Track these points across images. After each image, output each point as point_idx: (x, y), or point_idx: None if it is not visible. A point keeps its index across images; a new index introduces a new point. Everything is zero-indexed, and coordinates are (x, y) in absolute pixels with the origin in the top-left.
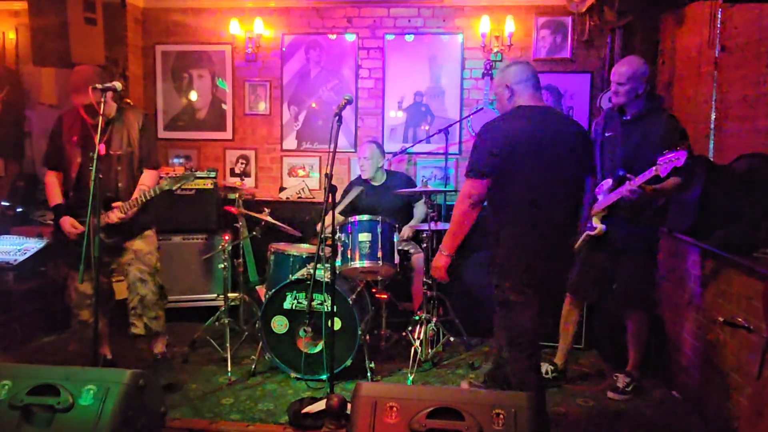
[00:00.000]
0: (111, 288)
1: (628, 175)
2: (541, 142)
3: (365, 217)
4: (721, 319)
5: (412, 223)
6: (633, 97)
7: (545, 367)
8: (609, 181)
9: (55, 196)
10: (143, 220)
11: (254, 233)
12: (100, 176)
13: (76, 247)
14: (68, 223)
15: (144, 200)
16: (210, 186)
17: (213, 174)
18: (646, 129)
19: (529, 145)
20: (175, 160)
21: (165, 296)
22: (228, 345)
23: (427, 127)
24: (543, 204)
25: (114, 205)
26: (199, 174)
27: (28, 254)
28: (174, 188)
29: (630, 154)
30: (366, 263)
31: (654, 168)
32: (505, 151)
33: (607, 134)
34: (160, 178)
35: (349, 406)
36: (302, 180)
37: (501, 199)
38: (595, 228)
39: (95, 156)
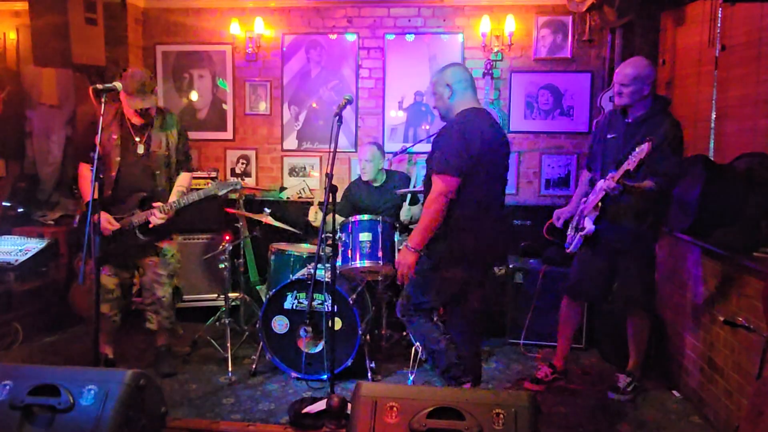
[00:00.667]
0: (131, 285)
1: (610, 173)
2: (493, 144)
3: (366, 216)
4: (721, 318)
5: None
6: (637, 98)
7: (545, 370)
8: (602, 182)
9: (90, 191)
10: (176, 224)
11: (255, 233)
12: (97, 175)
13: (106, 244)
14: (104, 218)
15: (187, 204)
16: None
17: (214, 174)
18: (648, 132)
19: (489, 146)
20: None
21: (180, 297)
22: (229, 345)
23: (427, 127)
24: (495, 200)
25: (154, 205)
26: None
27: (30, 254)
28: (220, 194)
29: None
30: (367, 263)
31: (626, 162)
32: (479, 150)
33: (609, 136)
34: (209, 181)
35: (349, 406)
36: (303, 180)
37: (466, 195)
38: (585, 228)
39: (95, 156)
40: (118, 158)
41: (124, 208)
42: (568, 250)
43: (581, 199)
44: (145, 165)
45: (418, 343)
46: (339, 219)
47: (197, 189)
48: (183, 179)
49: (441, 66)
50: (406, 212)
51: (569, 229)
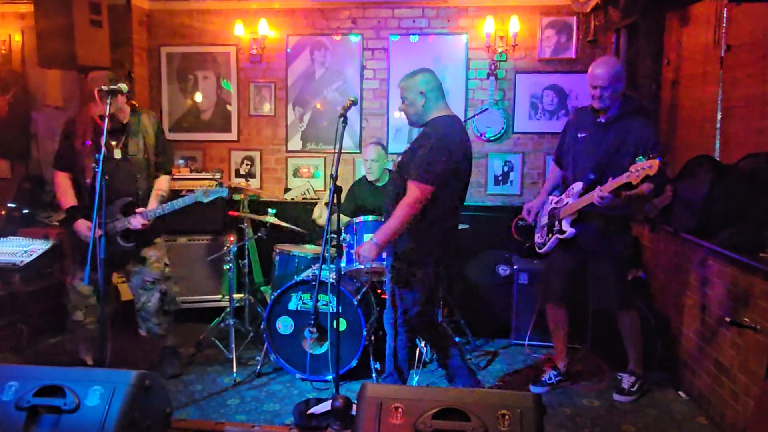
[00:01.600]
0: (116, 291)
1: (600, 185)
2: (467, 151)
3: (370, 217)
4: (727, 319)
5: None
6: (615, 98)
7: (548, 372)
8: (580, 185)
9: (68, 198)
10: (158, 227)
11: (259, 234)
12: (106, 178)
13: (88, 249)
14: (84, 226)
15: (170, 211)
16: (215, 187)
17: (218, 175)
18: (622, 133)
19: (465, 155)
20: (180, 162)
21: (173, 302)
22: (233, 346)
23: None
24: (461, 203)
25: (138, 211)
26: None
27: (35, 255)
28: (206, 200)
29: (603, 158)
30: (371, 264)
31: (626, 175)
32: (457, 160)
33: (579, 135)
34: (182, 190)
35: (354, 406)
36: (307, 181)
37: (440, 199)
38: (565, 231)
39: (100, 158)
40: (93, 164)
41: (107, 214)
42: (541, 251)
43: (550, 195)
44: (124, 170)
45: (423, 343)
46: (343, 218)
47: (186, 193)
48: (161, 182)
49: (408, 75)
50: None
51: (537, 228)
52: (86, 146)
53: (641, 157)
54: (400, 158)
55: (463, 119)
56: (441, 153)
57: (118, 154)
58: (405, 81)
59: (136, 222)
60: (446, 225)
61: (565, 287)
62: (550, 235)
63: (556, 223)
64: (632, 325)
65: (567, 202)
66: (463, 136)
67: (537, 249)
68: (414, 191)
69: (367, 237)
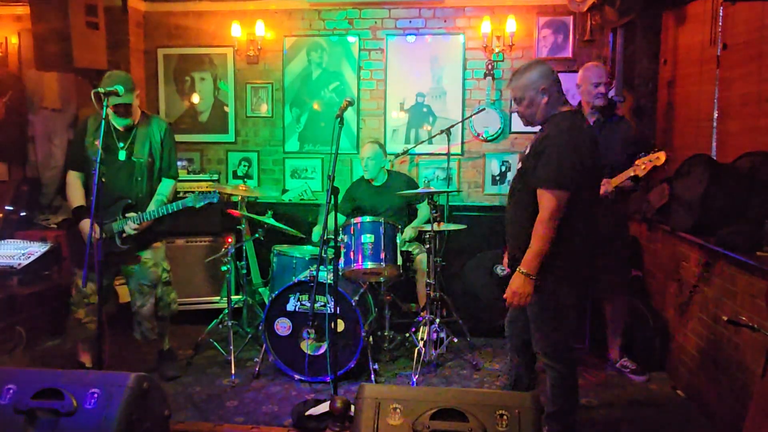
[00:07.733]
0: (114, 292)
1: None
2: (595, 148)
3: (368, 218)
4: (725, 318)
5: (415, 223)
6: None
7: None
8: None
9: (77, 198)
10: (157, 231)
11: (257, 235)
12: (103, 180)
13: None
14: (87, 226)
15: (162, 215)
16: (212, 189)
17: (216, 177)
18: (609, 134)
19: (592, 151)
20: (178, 163)
21: (168, 308)
22: (232, 347)
23: (429, 128)
24: (597, 212)
25: (127, 215)
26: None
27: (32, 258)
28: (198, 206)
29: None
30: (369, 264)
31: (632, 168)
32: (591, 162)
33: None
34: (180, 192)
35: (352, 407)
36: (305, 182)
37: (577, 209)
38: None
39: (97, 160)
40: (102, 165)
41: (107, 215)
42: None
43: None
44: (127, 171)
45: (421, 343)
46: (341, 219)
47: (184, 195)
48: (164, 187)
49: (521, 69)
50: (424, 217)
51: None
52: (95, 146)
53: (643, 153)
54: (520, 165)
55: (460, 119)
56: (570, 151)
57: (123, 155)
58: (518, 80)
59: (128, 227)
60: (589, 234)
61: None
62: None
63: None
64: (624, 310)
65: None
66: (589, 131)
67: None
68: (549, 200)
69: (365, 237)
